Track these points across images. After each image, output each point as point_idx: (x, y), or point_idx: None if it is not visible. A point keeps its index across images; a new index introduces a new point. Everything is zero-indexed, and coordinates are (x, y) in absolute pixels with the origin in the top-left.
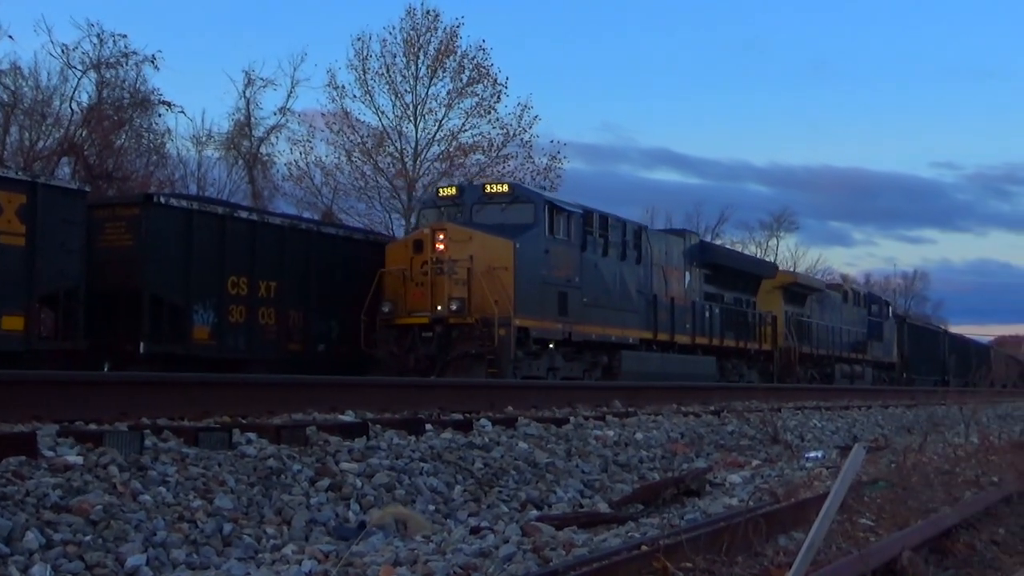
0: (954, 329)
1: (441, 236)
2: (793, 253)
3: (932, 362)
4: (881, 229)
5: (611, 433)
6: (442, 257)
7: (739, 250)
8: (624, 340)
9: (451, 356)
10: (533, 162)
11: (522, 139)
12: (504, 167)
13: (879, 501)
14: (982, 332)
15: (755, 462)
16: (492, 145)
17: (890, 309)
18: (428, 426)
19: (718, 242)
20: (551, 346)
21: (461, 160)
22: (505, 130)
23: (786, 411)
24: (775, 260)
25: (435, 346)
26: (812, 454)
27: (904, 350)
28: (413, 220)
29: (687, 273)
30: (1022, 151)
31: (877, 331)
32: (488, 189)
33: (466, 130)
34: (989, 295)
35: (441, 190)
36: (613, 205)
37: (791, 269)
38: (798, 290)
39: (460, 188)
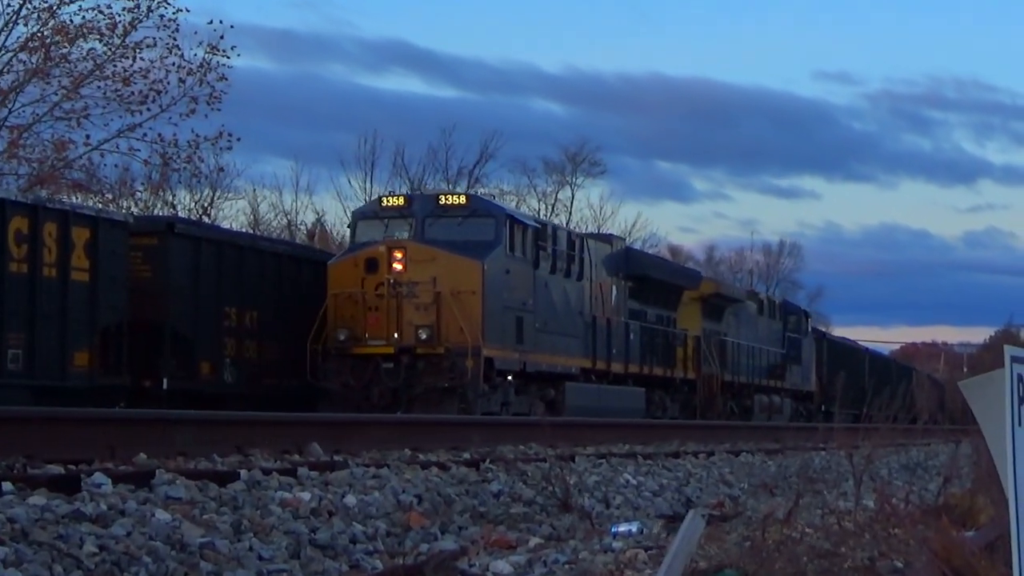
0: (839, 333)
1: (399, 255)
2: (597, 211)
3: (852, 390)
4: (736, 175)
5: (306, 496)
6: (401, 279)
7: (516, 206)
8: (568, 370)
9: (418, 390)
10: (181, 55)
11: (162, 17)
12: (134, 62)
13: None
14: (883, 338)
15: (534, 540)
16: (115, 27)
17: (808, 322)
18: (6, 485)
19: (481, 192)
20: (509, 378)
21: (64, 50)
22: (135, 3)
23: (582, 460)
24: (569, 221)
25: (401, 379)
26: (623, 527)
27: (823, 375)
28: (347, 233)
29: (614, 287)
30: (952, 59)
31: (795, 351)
32: (443, 200)
33: (70, 2)
34: (895, 280)
35: (385, 199)
36: (315, 125)
37: (635, 247)
38: (718, 302)
39: (409, 198)
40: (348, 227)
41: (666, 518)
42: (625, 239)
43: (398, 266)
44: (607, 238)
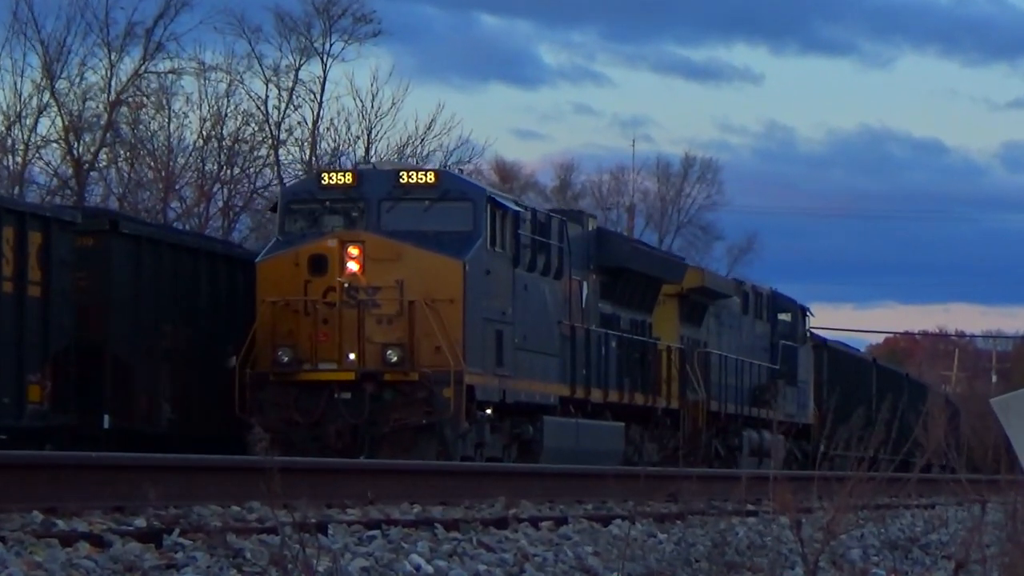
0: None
1: (355, 251)
2: (366, 103)
3: (860, 420)
4: (614, 41)
5: None
6: (358, 283)
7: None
8: (546, 400)
9: (386, 429)
10: None
11: None
12: None
13: None
14: (857, 324)
15: None
16: None
17: (806, 323)
18: None
19: (169, 70)
20: (488, 411)
21: None
22: None
23: (341, 531)
24: (318, 118)
25: (365, 414)
26: None
27: (823, 399)
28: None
29: (584, 284)
30: None
31: (789, 366)
32: (404, 178)
33: None
34: (881, 227)
35: (327, 176)
36: None
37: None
38: (699, 300)
39: (359, 174)
40: (271, 210)
41: None
42: (596, 216)
43: (353, 265)
44: (577, 216)
